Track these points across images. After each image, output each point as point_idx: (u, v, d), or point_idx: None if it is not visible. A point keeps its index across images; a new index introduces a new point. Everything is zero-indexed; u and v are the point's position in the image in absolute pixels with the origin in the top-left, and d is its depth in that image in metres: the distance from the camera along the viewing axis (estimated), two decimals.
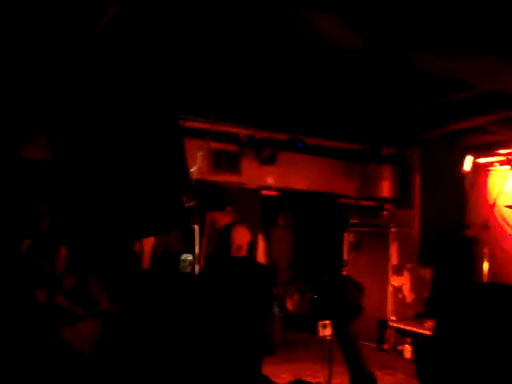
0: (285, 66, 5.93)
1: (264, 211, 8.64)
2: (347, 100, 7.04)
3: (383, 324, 8.54)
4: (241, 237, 5.12)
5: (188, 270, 6.01)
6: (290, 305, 8.48)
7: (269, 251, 9.20)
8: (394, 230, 8.74)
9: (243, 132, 7.93)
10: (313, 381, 1.75)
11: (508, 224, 8.16)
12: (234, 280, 1.67)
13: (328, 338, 7.68)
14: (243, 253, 4.61)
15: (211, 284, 1.70)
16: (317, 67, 5.94)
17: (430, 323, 7.42)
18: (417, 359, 1.49)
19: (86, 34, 4.68)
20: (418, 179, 8.78)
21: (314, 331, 8.47)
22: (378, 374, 5.00)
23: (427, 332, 7.46)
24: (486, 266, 7.61)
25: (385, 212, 8.85)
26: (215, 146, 7.74)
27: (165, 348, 1.79)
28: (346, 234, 8.95)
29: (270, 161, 8.19)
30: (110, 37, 4.73)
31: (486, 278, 7.54)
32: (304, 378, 1.77)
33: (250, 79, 6.27)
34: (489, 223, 7.92)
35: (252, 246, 5.26)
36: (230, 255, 4.57)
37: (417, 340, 7.82)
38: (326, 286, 1.99)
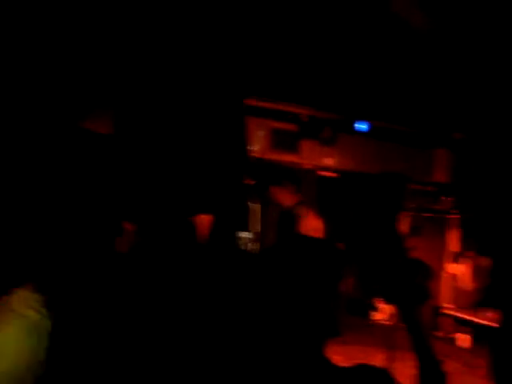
0: (350, 49, 5.87)
1: (321, 192, 8.60)
2: (411, 84, 6.92)
3: (438, 311, 8.44)
4: (308, 220, 5.11)
5: (245, 247, 6.03)
6: (344, 287, 8.44)
7: (325, 232, 9.17)
8: (454, 216, 8.60)
9: (304, 112, 7.91)
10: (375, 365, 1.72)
11: None
12: (304, 257, 1.65)
13: (384, 322, 7.66)
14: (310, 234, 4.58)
15: (279, 261, 1.67)
16: (384, 51, 5.86)
17: (490, 314, 7.28)
18: (490, 351, 1.46)
19: None
20: (479, 166, 8.60)
21: (367, 315, 8.46)
22: None
23: (486, 322, 7.34)
24: None
25: (445, 198, 8.71)
26: (276, 125, 7.75)
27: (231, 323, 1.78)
28: (404, 218, 8.84)
29: (329, 142, 8.16)
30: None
31: None
32: (363, 362, 1.74)
33: (315, 60, 6.22)
34: None
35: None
36: (297, 233, 4.56)
37: (474, 330, 7.72)
38: (392, 269, 1.94)
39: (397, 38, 5.40)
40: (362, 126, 8.21)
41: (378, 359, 5.46)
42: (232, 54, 4.98)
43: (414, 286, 1.96)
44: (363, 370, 1.67)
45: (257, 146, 7.17)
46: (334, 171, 8.64)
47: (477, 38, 5.20)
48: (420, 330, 1.90)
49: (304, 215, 5.21)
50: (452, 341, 8.02)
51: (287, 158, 7.93)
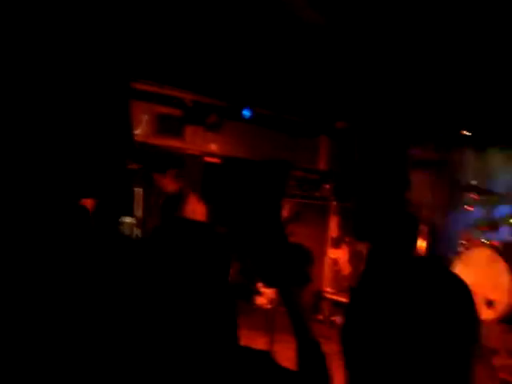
0: (236, 37, 5.89)
1: (205, 177, 8.60)
2: (296, 73, 7.03)
3: (319, 295, 8.67)
4: (191, 204, 5.11)
5: (127, 233, 5.95)
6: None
7: (208, 216, 9.20)
8: (334, 203, 8.85)
9: (189, 97, 7.86)
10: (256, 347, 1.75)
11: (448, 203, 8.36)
12: (185, 240, 1.63)
13: (266, 306, 7.76)
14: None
15: (161, 244, 1.64)
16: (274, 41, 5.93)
17: None
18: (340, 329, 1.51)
19: None
20: (359, 155, 8.88)
21: (250, 300, 8.56)
22: None
23: None
24: (423, 243, 7.79)
25: (326, 185, 8.95)
26: (160, 109, 7.66)
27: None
28: (286, 205, 9.00)
29: (214, 128, 8.16)
30: None
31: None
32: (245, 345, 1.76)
33: (201, 45, 6.19)
34: (429, 202, 8.11)
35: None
36: (179, 217, 4.53)
37: None
38: (273, 254, 1.96)
39: (285, 29, 5.47)
40: (247, 113, 8.27)
41: (259, 342, 5.55)
42: (116, 36, 4.86)
43: (294, 271, 2.00)
44: (245, 352, 1.69)
45: (141, 131, 7.07)
46: (219, 157, 8.66)
47: (361, 31, 5.36)
48: (300, 313, 1.94)
49: (187, 200, 5.20)
50: (332, 323, 8.26)
51: (172, 142, 7.87)
